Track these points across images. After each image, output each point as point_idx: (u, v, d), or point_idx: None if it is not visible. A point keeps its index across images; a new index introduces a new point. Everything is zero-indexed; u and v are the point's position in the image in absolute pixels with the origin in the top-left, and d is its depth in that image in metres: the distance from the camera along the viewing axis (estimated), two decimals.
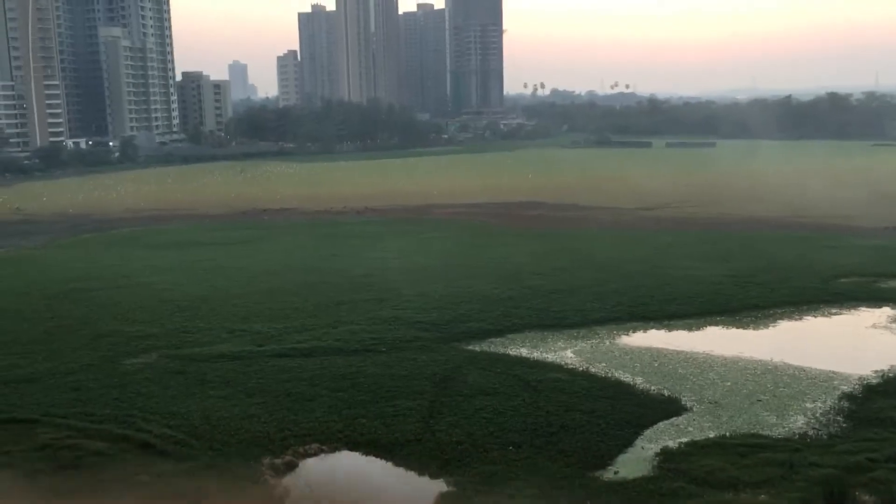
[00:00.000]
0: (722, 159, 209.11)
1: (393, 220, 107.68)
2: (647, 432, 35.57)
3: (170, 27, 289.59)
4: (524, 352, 47.23)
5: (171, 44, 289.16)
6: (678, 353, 46.75)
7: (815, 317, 54.88)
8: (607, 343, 49.22)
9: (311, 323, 53.18)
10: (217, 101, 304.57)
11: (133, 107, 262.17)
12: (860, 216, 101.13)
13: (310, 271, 71.38)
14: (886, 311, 55.72)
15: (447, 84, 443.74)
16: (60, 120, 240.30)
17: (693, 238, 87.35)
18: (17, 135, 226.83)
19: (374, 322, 53.02)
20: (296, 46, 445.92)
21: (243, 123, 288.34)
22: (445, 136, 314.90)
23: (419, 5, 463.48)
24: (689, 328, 52.19)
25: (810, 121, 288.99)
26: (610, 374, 43.01)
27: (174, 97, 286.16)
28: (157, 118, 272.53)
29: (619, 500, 29.44)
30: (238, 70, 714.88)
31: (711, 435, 35.17)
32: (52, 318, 55.74)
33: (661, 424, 36.45)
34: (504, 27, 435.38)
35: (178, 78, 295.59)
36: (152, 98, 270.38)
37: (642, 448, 34.07)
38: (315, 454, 33.87)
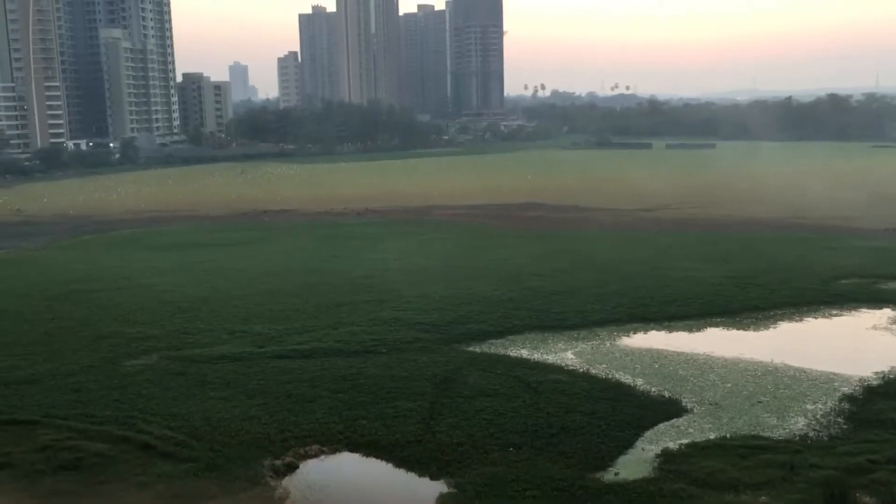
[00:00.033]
0: (722, 160, 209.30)
1: (393, 221, 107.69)
2: (648, 434, 35.56)
3: (170, 28, 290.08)
4: (525, 353, 47.21)
5: (171, 45, 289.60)
6: (679, 354, 46.75)
7: (816, 318, 54.86)
8: (608, 344, 49.21)
9: (311, 324, 53.18)
10: (218, 102, 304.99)
11: (134, 108, 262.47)
12: (860, 217, 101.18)
13: (310, 272, 71.40)
14: (887, 312, 55.70)
15: (447, 85, 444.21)
16: (61, 121, 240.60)
17: (693, 239, 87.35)
18: (18, 136, 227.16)
19: (374, 323, 53.03)
20: (296, 48, 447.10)
21: (244, 125, 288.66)
22: (446, 138, 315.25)
23: (420, 6, 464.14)
24: (690, 329, 52.18)
25: (810, 122, 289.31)
26: (610, 376, 42.99)
27: (175, 98, 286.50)
28: (157, 119, 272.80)
29: (619, 502, 29.41)
30: (238, 71, 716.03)
31: (712, 436, 35.16)
32: (52, 319, 55.75)
33: (661, 426, 36.44)
34: (504, 28, 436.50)
35: (179, 79, 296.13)
36: (153, 99, 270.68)
37: (643, 449, 34.06)
38: (315, 455, 33.88)
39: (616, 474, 31.80)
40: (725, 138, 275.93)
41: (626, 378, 42.61)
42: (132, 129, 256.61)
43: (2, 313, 57.69)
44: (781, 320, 54.10)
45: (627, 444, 34.43)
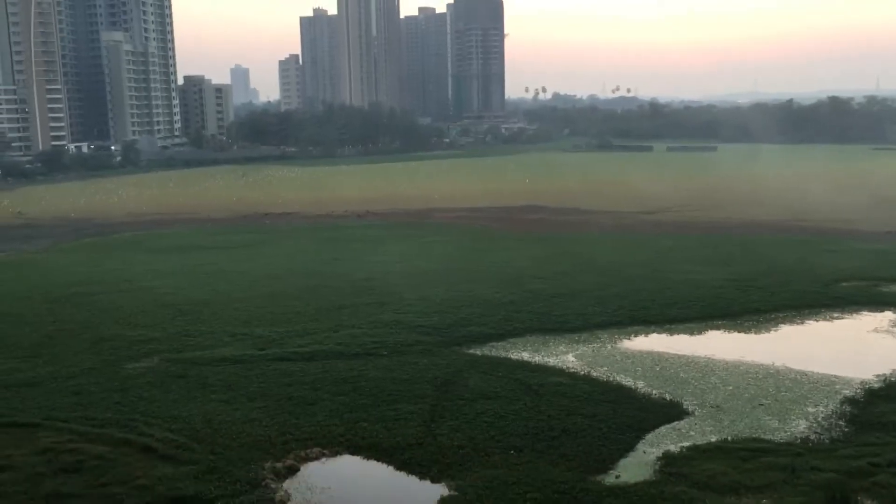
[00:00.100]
0: (723, 163, 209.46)
1: (394, 224, 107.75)
2: (649, 436, 35.53)
3: (172, 31, 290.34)
4: (525, 356, 47.20)
5: (172, 48, 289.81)
6: (679, 357, 46.73)
7: (817, 321, 54.84)
8: (609, 347, 49.18)
9: (312, 327, 53.20)
10: (219, 105, 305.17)
11: (135, 111, 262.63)
12: (861, 220, 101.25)
13: (311, 275, 71.42)
14: (888, 315, 55.70)
15: (449, 88, 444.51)
16: (62, 124, 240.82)
17: (694, 242, 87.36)
18: (20, 139, 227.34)
19: (375, 326, 53.04)
20: (297, 50, 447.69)
21: (245, 127, 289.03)
22: (447, 140, 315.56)
23: (421, 9, 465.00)
24: (691, 332, 52.16)
25: (811, 125, 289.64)
26: (611, 378, 42.97)
27: (176, 101, 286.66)
28: (158, 122, 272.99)
29: None
30: (240, 74, 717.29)
31: (713, 439, 35.13)
32: (53, 322, 55.79)
33: (662, 428, 36.41)
34: (505, 31, 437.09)
35: (180, 82, 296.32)
36: (154, 102, 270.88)
37: (644, 452, 34.03)
38: (316, 458, 33.86)
39: (617, 477, 31.77)
40: (726, 141, 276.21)
41: (627, 381, 42.59)
42: (133, 132, 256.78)
43: (3, 316, 57.74)
44: (782, 323, 54.10)
45: (628, 447, 34.41)
